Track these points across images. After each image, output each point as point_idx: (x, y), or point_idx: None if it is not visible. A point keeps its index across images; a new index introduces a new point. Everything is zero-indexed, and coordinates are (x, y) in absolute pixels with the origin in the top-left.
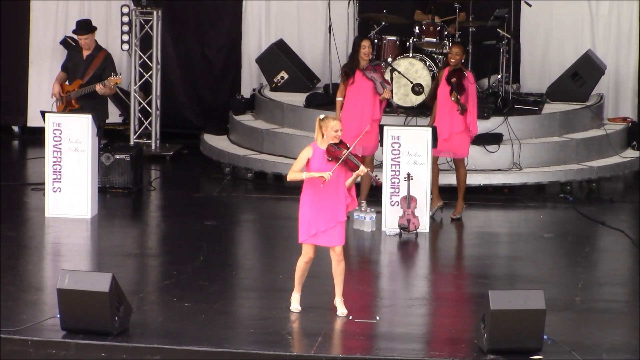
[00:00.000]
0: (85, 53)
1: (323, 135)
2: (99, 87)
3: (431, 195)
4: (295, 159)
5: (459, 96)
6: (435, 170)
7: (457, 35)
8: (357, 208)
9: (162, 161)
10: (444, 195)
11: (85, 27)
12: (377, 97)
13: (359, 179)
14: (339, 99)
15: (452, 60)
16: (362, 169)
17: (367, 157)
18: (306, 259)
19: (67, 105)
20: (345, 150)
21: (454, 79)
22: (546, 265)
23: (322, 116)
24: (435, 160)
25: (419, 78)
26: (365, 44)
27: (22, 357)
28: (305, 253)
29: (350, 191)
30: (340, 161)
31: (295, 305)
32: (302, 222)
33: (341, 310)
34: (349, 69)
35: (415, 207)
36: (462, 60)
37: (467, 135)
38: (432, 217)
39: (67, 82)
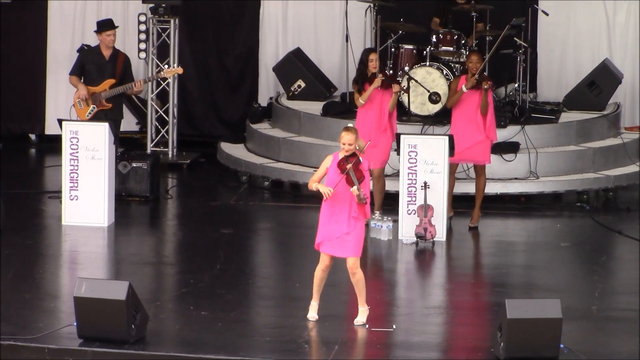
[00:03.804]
0: (107, 53)
1: None
2: (138, 85)
3: None
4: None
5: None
6: (452, 181)
7: (474, 44)
8: (373, 217)
9: (179, 169)
10: (460, 203)
11: (110, 23)
12: (387, 109)
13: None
14: (361, 101)
15: (473, 69)
16: (353, 189)
17: (376, 171)
18: (322, 267)
19: (97, 105)
20: (349, 165)
21: (476, 75)
22: (563, 274)
23: (349, 125)
24: (453, 169)
25: (436, 87)
26: (373, 57)
27: None
28: (321, 261)
29: (360, 207)
30: (343, 175)
31: (312, 313)
32: (322, 231)
33: (358, 318)
34: (360, 83)
35: (432, 216)
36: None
37: (489, 141)
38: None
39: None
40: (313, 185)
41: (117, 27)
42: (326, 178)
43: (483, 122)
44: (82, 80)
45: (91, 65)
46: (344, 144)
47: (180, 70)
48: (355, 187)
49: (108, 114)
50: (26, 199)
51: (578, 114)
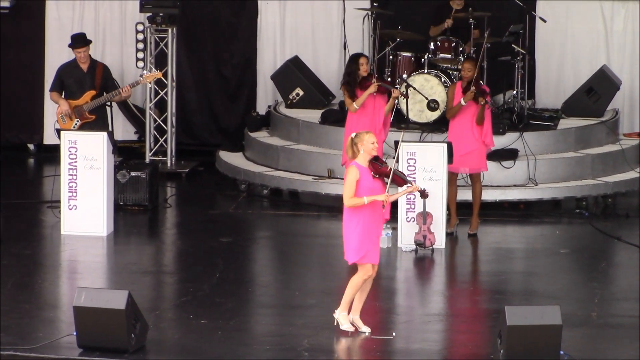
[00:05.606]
0: (85, 65)
1: (359, 152)
2: (126, 91)
3: (448, 212)
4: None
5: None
6: (454, 189)
7: (472, 52)
8: None
9: (177, 178)
10: (459, 211)
11: (83, 40)
12: (380, 114)
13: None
14: (355, 106)
15: (465, 76)
16: (414, 185)
17: None
18: (366, 277)
19: (81, 119)
20: (390, 166)
21: (473, 87)
22: (562, 280)
23: (354, 134)
24: (454, 178)
25: (434, 94)
26: (363, 61)
27: None
28: (367, 271)
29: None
30: (390, 178)
31: (347, 325)
32: (365, 242)
33: (364, 327)
34: (351, 89)
35: (431, 223)
36: (476, 75)
37: (484, 149)
38: (451, 234)
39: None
40: (365, 200)
41: (91, 42)
42: (360, 189)
43: (479, 131)
44: (63, 96)
45: (70, 80)
46: (373, 143)
47: (159, 75)
48: (407, 185)
49: (93, 127)
50: (25, 209)
51: (576, 120)
